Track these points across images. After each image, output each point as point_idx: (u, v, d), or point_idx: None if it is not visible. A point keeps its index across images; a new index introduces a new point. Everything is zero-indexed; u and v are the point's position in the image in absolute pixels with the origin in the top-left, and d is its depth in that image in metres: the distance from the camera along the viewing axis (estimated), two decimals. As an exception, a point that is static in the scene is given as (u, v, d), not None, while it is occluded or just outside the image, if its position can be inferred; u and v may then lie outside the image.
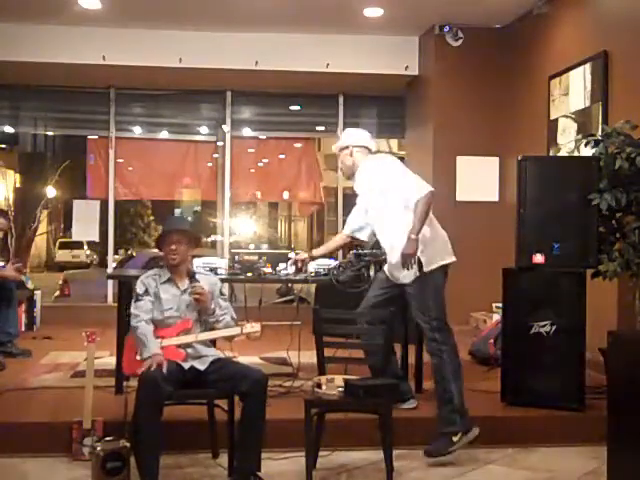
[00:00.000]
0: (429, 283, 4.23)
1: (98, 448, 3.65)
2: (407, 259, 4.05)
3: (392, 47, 8.18)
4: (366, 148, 4.53)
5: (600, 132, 5.13)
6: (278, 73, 8.23)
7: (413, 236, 4.06)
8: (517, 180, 4.71)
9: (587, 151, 5.19)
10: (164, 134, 9.63)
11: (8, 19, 7.53)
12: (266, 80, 8.56)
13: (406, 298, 4.33)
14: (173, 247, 3.97)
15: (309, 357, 4.54)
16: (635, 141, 4.70)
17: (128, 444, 3.66)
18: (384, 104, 9.49)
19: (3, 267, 6.33)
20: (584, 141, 5.10)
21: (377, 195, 4.33)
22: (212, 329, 4.00)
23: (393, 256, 4.26)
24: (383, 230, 4.38)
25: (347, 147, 4.51)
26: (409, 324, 5.13)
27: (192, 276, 4.03)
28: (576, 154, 5.70)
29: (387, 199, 4.28)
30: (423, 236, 4.14)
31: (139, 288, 3.97)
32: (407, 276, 4.21)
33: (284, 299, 11.39)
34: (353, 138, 4.55)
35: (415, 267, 4.11)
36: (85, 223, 9.11)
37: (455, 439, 4.04)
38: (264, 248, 22.10)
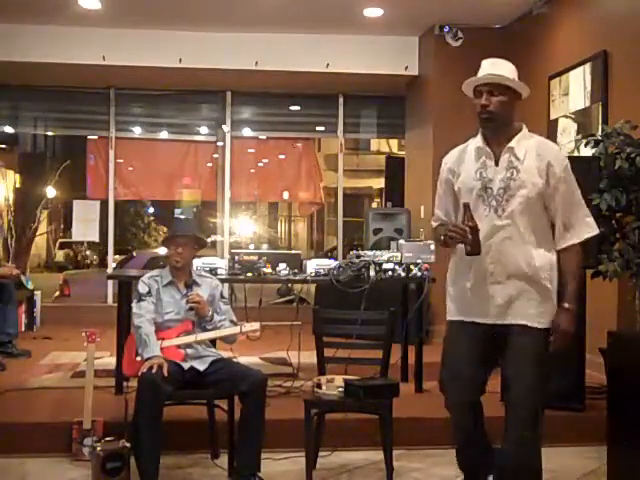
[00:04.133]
0: (547, 341, 2.96)
1: (98, 448, 3.65)
2: (566, 340, 2.90)
3: (392, 47, 8.17)
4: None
5: (600, 132, 5.12)
6: (278, 73, 8.22)
7: (571, 306, 2.89)
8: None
9: (587, 151, 5.18)
10: (164, 134, 9.62)
11: (8, 19, 7.52)
12: (266, 80, 8.56)
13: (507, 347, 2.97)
14: (180, 250, 3.96)
15: (309, 357, 4.54)
16: (635, 141, 4.70)
17: (128, 444, 3.65)
18: (384, 104, 9.48)
19: None
20: (584, 141, 5.10)
21: (539, 189, 2.97)
22: (212, 331, 4.00)
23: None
24: (520, 241, 2.98)
25: (515, 92, 3.19)
26: (409, 324, 5.15)
27: (190, 285, 4.02)
28: (576, 154, 5.69)
29: (542, 203, 2.99)
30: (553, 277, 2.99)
31: (142, 288, 3.96)
32: (533, 318, 2.95)
33: (284, 299, 11.41)
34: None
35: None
36: (85, 223, 9.11)
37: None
38: (264, 248, 22.08)
